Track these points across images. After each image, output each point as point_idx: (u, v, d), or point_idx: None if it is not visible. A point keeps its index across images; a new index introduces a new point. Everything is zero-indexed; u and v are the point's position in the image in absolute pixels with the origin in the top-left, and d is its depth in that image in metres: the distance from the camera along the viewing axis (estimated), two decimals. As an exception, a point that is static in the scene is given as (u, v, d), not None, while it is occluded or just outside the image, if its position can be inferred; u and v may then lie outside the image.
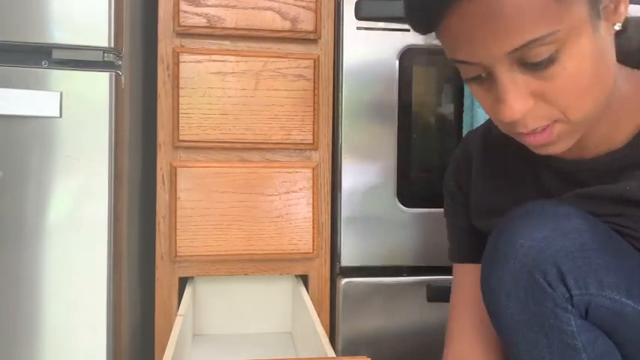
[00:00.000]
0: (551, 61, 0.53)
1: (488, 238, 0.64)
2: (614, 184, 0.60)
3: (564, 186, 0.65)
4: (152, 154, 1.05)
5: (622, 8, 0.55)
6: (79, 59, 0.87)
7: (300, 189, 1.06)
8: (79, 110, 0.87)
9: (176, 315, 0.93)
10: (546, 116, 0.56)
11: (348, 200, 1.07)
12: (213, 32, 1.03)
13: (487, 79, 0.56)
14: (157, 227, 1.04)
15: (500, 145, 0.72)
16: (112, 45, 0.88)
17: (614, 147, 0.62)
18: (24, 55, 0.86)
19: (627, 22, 0.59)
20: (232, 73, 1.04)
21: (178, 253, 1.03)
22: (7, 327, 0.87)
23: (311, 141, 1.07)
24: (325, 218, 1.09)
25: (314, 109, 1.06)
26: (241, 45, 1.05)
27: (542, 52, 0.52)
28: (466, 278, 0.78)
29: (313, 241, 1.07)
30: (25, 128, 0.86)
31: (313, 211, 1.07)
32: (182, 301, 0.99)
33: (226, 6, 1.03)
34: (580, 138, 0.61)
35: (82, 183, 0.88)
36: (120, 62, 0.91)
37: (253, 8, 1.04)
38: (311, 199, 1.07)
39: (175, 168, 1.03)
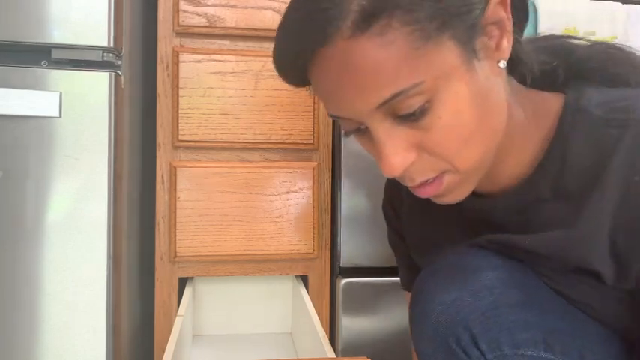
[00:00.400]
0: (423, 112, 0.49)
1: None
2: (523, 228, 0.58)
3: (483, 224, 0.62)
4: (152, 154, 1.05)
5: (504, 44, 0.51)
6: (78, 59, 0.87)
7: (300, 189, 1.06)
8: (79, 110, 0.87)
9: (176, 315, 0.93)
10: (432, 168, 0.53)
11: (348, 200, 1.07)
12: (213, 32, 1.03)
13: (367, 131, 0.53)
14: (156, 227, 1.04)
15: None
16: (112, 45, 0.87)
17: (521, 179, 0.58)
18: (24, 55, 0.86)
19: (530, 44, 0.56)
20: (232, 73, 1.04)
21: (178, 254, 1.03)
22: (7, 327, 0.87)
23: (311, 141, 1.07)
24: (325, 218, 1.09)
25: (314, 109, 1.06)
26: (241, 45, 1.05)
27: (411, 104, 0.49)
28: None
29: (313, 241, 1.07)
30: (25, 128, 0.86)
31: (313, 211, 1.07)
32: (182, 301, 0.99)
33: (226, 6, 1.03)
34: (488, 174, 0.58)
35: (82, 183, 0.88)
36: (120, 62, 0.91)
37: (253, 8, 1.04)
38: (311, 199, 1.07)
39: (175, 168, 1.03)
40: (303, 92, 1.06)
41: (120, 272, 0.92)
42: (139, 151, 1.07)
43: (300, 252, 1.07)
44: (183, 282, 1.08)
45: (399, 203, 0.76)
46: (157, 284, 1.05)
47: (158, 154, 1.04)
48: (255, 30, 1.04)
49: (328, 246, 1.09)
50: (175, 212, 1.03)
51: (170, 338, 0.80)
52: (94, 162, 0.88)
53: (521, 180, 0.58)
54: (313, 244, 1.07)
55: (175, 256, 1.03)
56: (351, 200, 1.07)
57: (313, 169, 1.07)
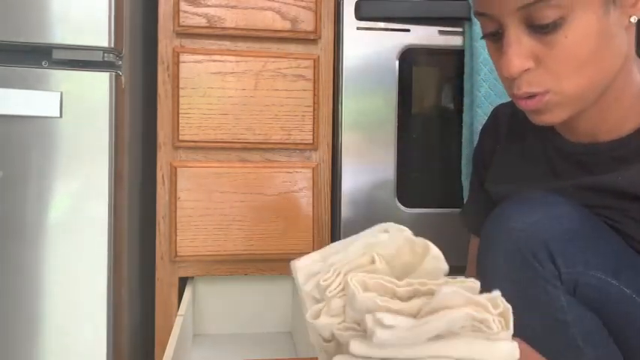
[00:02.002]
0: (555, 26, 0.56)
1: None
2: (615, 171, 0.63)
3: (572, 169, 0.67)
4: (152, 154, 1.05)
5: (637, 10, 0.58)
6: (79, 59, 0.87)
7: (300, 189, 1.06)
8: (79, 110, 0.87)
9: (176, 315, 0.93)
10: (540, 83, 0.60)
11: (348, 200, 1.07)
12: (213, 32, 1.03)
13: (500, 36, 0.60)
14: (157, 227, 1.04)
15: (523, 121, 0.74)
16: (112, 45, 0.88)
17: (623, 134, 0.64)
18: (24, 55, 0.86)
19: None
20: (232, 73, 1.04)
21: (178, 253, 1.03)
22: (7, 327, 0.87)
23: (311, 141, 1.07)
24: (325, 218, 1.09)
25: (314, 109, 1.06)
26: (241, 45, 1.05)
27: (548, 15, 0.56)
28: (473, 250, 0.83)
29: (313, 241, 1.07)
30: (25, 128, 0.86)
31: (313, 211, 1.07)
32: (182, 301, 0.99)
33: (226, 6, 1.03)
34: (591, 123, 0.64)
35: (82, 183, 0.88)
36: (120, 62, 0.91)
37: (253, 8, 1.04)
38: (311, 199, 1.07)
39: (175, 168, 1.03)
40: (303, 92, 1.06)
41: (120, 272, 0.92)
42: (140, 151, 1.07)
43: (300, 252, 1.07)
44: (183, 282, 1.08)
45: (493, 139, 0.81)
46: (158, 284, 1.05)
47: (158, 154, 1.04)
48: (255, 30, 1.04)
49: (328, 246, 1.09)
50: (176, 212, 1.03)
51: (170, 338, 0.80)
52: (94, 162, 0.88)
53: (623, 135, 0.63)
54: (313, 244, 1.07)
55: (176, 255, 1.03)
56: (351, 200, 1.07)
57: (313, 169, 1.07)
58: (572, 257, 0.59)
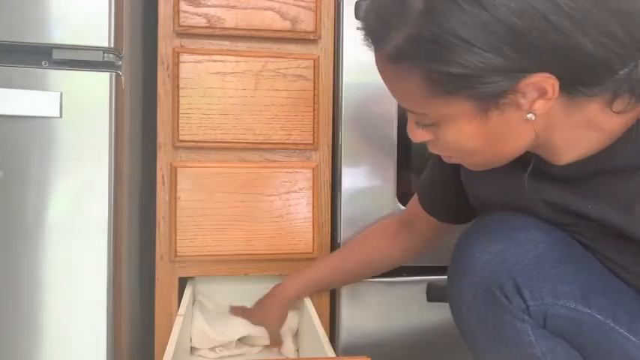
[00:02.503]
0: (433, 126, 0.59)
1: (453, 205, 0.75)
2: (582, 191, 0.61)
3: (540, 182, 0.66)
4: (152, 154, 1.05)
5: (538, 105, 0.54)
6: (79, 59, 0.87)
7: (300, 189, 1.06)
8: (79, 110, 0.87)
9: (176, 315, 0.93)
10: (443, 151, 0.63)
11: (348, 200, 1.07)
12: (213, 32, 1.03)
13: None
14: (156, 227, 1.04)
15: None
16: (112, 45, 0.88)
17: (587, 154, 0.61)
18: (24, 55, 0.86)
19: None
20: (232, 73, 1.04)
21: (178, 253, 1.03)
22: (7, 327, 0.87)
23: (311, 141, 1.07)
24: (325, 218, 1.09)
25: (314, 109, 1.06)
26: (241, 45, 1.05)
27: (423, 120, 0.60)
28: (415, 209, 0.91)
29: (313, 241, 1.07)
30: (25, 128, 0.86)
31: (313, 211, 1.07)
32: (182, 301, 0.99)
33: (226, 6, 1.03)
34: (543, 153, 0.63)
35: (82, 183, 0.88)
36: (120, 62, 0.91)
37: (253, 8, 1.04)
38: (311, 199, 1.07)
39: (175, 168, 1.03)
40: (303, 92, 1.06)
41: (120, 272, 0.92)
42: (140, 151, 1.07)
43: (300, 252, 1.07)
44: (183, 282, 1.08)
45: None
46: (157, 284, 1.05)
47: (158, 154, 1.04)
48: (255, 30, 1.04)
49: (328, 246, 1.09)
50: (176, 212, 1.03)
51: (170, 338, 0.80)
52: (94, 162, 0.88)
53: (584, 155, 0.61)
54: (313, 244, 1.07)
55: (176, 255, 1.03)
56: (351, 200, 1.07)
57: (313, 169, 1.07)
58: (540, 288, 0.58)
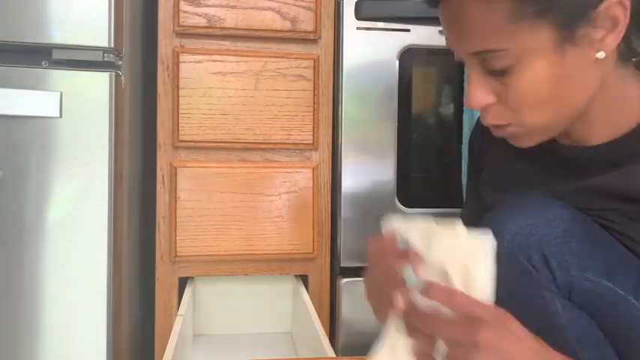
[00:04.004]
0: (506, 71, 0.57)
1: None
2: (608, 173, 0.63)
3: (565, 172, 0.68)
4: (152, 154, 1.05)
5: (609, 39, 0.55)
6: (79, 59, 0.87)
7: (300, 189, 1.06)
8: (79, 110, 0.87)
9: (176, 315, 0.93)
10: (502, 117, 0.61)
11: (348, 200, 1.07)
12: (213, 32, 1.03)
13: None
14: (156, 227, 1.04)
15: None
16: (112, 45, 0.88)
17: (617, 136, 0.63)
18: (24, 55, 0.86)
19: None
20: (232, 73, 1.04)
21: (178, 253, 1.03)
22: (7, 327, 0.87)
23: (311, 141, 1.07)
24: (325, 218, 1.09)
25: (314, 109, 1.06)
26: (241, 45, 1.05)
27: (497, 63, 0.57)
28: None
29: (313, 241, 1.07)
30: (25, 128, 0.86)
31: (313, 211, 1.07)
32: (182, 301, 0.99)
33: (226, 6, 1.03)
34: (579, 133, 0.64)
35: (82, 183, 0.88)
36: (120, 62, 0.91)
37: (253, 8, 1.04)
38: (311, 199, 1.07)
39: (175, 168, 1.03)
40: (303, 92, 1.06)
41: (120, 272, 0.92)
42: (140, 151, 1.07)
43: (300, 252, 1.07)
44: (183, 282, 1.08)
45: (489, 138, 0.81)
46: (158, 284, 1.05)
47: (158, 154, 1.04)
48: (255, 30, 1.04)
49: (328, 246, 1.09)
50: (176, 212, 1.03)
51: (170, 338, 0.80)
52: (94, 162, 0.88)
53: (617, 136, 0.62)
54: (313, 244, 1.07)
55: (176, 255, 1.03)
56: (351, 200, 1.07)
57: (313, 169, 1.07)
58: (567, 261, 0.60)
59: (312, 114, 1.06)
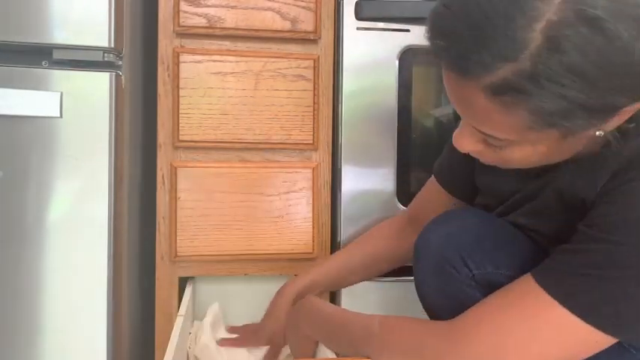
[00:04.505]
0: (504, 145, 0.60)
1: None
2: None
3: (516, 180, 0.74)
4: (152, 154, 1.05)
5: (609, 126, 0.56)
6: (79, 59, 0.87)
7: (300, 189, 1.06)
8: (79, 110, 0.87)
9: (176, 315, 0.93)
10: (487, 158, 0.65)
11: (348, 200, 1.07)
12: (213, 32, 1.03)
13: None
14: (157, 227, 1.04)
15: None
16: (112, 45, 0.88)
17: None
18: (24, 55, 0.86)
19: None
20: (232, 73, 1.04)
21: (178, 253, 1.03)
22: (7, 327, 0.87)
23: (311, 141, 1.07)
24: (325, 218, 1.09)
25: (314, 109, 1.07)
26: (241, 45, 1.05)
27: (494, 142, 0.60)
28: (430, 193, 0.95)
29: (313, 241, 1.07)
30: (25, 128, 0.86)
31: (313, 211, 1.07)
32: (182, 301, 0.99)
33: (226, 6, 1.03)
34: None
35: (82, 183, 0.88)
36: (120, 62, 0.91)
37: (253, 8, 1.04)
38: (311, 199, 1.07)
39: (175, 168, 1.03)
40: (303, 92, 1.06)
41: (120, 272, 0.92)
42: (140, 151, 1.07)
43: (300, 252, 1.07)
44: (183, 282, 1.08)
45: None
46: (158, 284, 1.05)
47: (158, 154, 1.04)
48: (255, 30, 1.04)
49: (328, 246, 1.09)
50: (176, 212, 1.03)
51: (170, 338, 0.80)
52: (94, 162, 0.88)
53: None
54: (313, 244, 1.07)
55: (176, 255, 1.03)
56: (351, 200, 1.07)
57: (313, 169, 1.07)
58: (482, 260, 0.69)
59: (312, 114, 1.06)
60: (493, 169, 0.69)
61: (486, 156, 0.64)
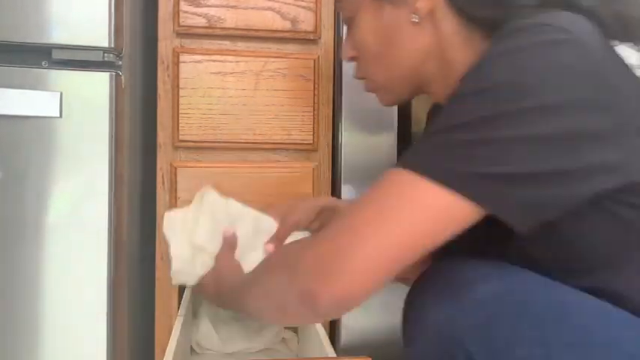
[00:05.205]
0: (351, 25, 0.70)
1: None
2: None
3: None
4: (152, 154, 1.05)
5: (419, 4, 0.62)
6: (79, 59, 0.87)
7: (300, 189, 1.06)
8: (79, 110, 0.87)
9: (176, 315, 0.93)
10: (360, 70, 0.73)
11: (348, 200, 1.07)
12: (213, 32, 1.03)
13: None
14: (157, 227, 1.04)
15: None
16: (112, 45, 0.88)
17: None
18: (24, 55, 0.86)
19: None
20: (232, 73, 1.04)
21: (178, 253, 1.03)
22: (7, 327, 0.87)
23: (311, 141, 1.07)
24: (325, 218, 1.09)
25: (314, 109, 1.06)
26: (241, 45, 1.05)
27: (343, 15, 0.72)
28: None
29: (313, 241, 1.07)
30: (25, 128, 0.86)
31: (313, 211, 1.07)
32: (182, 301, 0.99)
33: (226, 6, 1.03)
34: (434, 96, 0.71)
35: (82, 183, 0.88)
36: (120, 62, 0.91)
37: (253, 8, 1.04)
38: (311, 199, 1.07)
39: (175, 168, 1.03)
40: (303, 92, 1.06)
41: (120, 272, 0.92)
42: (140, 151, 1.07)
43: (300, 252, 1.07)
44: (183, 282, 1.08)
45: None
46: (157, 284, 1.05)
47: (158, 154, 1.04)
48: (255, 30, 1.04)
49: (328, 246, 1.09)
50: (175, 212, 1.03)
51: (171, 338, 0.80)
52: (94, 162, 0.88)
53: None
54: (313, 244, 1.07)
55: (175, 256, 1.03)
56: (351, 200, 1.07)
57: (313, 169, 1.07)
58: (493, 353, 0.52)
59: (312, 114, 1.06)
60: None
61: (359, 65, 0.72)
